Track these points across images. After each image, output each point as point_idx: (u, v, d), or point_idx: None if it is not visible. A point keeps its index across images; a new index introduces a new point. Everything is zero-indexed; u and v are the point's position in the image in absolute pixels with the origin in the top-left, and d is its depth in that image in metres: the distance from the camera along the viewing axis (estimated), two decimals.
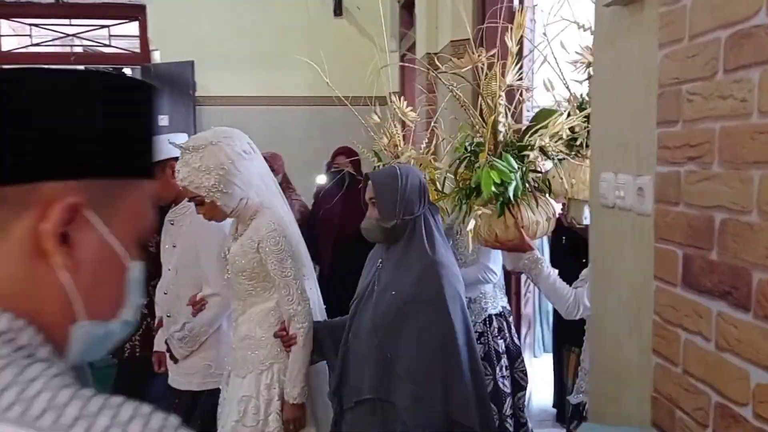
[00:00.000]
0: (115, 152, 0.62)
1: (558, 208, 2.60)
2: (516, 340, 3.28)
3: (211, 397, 2.68)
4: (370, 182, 2.39)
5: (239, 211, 2.36)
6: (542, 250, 3.83)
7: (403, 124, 3.06)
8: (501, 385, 3.15)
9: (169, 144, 2.60)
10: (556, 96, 2.47)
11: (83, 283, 0.60)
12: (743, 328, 1.11)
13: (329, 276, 4.21)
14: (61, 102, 0.59)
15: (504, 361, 3.19)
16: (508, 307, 3.35)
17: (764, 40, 1.05)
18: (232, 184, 2.30)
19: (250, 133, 2.55)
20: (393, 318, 2.23)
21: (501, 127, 2.35)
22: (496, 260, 3.07)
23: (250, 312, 2.43)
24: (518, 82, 2.39)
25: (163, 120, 6.13)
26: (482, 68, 2.30)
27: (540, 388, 4.15)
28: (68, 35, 6.87)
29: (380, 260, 2.39)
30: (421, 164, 2.82)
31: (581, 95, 2.53)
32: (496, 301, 3.25)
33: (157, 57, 6.54)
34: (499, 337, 3.21)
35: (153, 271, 2.93)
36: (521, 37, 2.35)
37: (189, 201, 2.48)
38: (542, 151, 2.35)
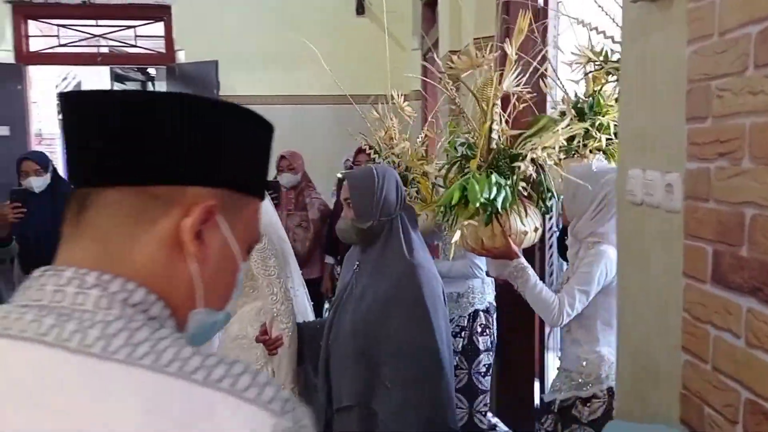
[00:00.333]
0: (247, 171, 0.76)
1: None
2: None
3: None
4: (345, 182, 2.35)
5: None
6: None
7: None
8: (475, 381, 3.16)
9: None
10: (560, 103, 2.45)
11: (206, 274, 0.71)
12: None
13: None
14: (212, 123, 0.71)
15: (484, 357, 3.19)
16: (494, 304, 3.34)
17: None
18: None
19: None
20: (373, 322, 2.20)
21: (494, 134, 2.30)
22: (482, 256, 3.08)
23: (240, 311, 2.40)
24: (516, 89, 2.32)
25: None
26: (486, 71, 2.25)
27: None
28: (95, 36, 6.96)
29: (357, 262, 2.34)
30: (408, 167, 2.83)
31: (576, 94, 2.51)
32: (484, 297, 3.26)
33: (181, 57, 6.61)
34: (482, 334, 3.21)
35: None
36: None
37: None
38: (534, 162, 2.30)
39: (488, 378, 3.24)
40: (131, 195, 0.68)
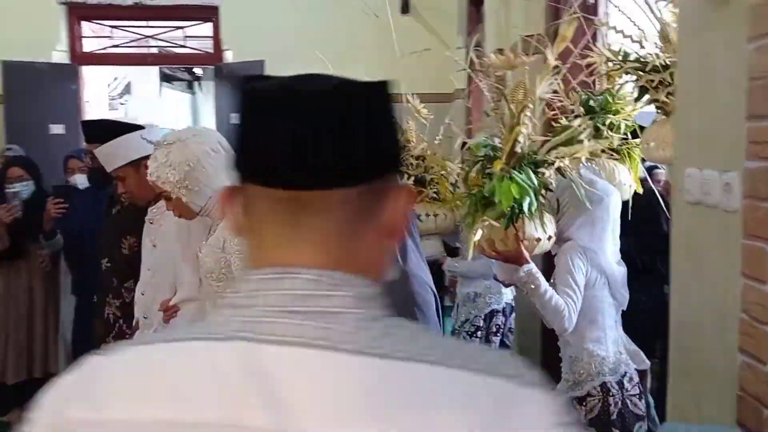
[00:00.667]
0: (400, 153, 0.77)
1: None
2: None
3: None
4: None
5: (209, 209, 2.28)
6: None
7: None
8: None
9: (142, 140, 2.56)
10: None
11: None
12: None
13: None
14: (391, 117, 0.72)
15: None
16: (512, 304, 3.30)
17: None
18: (198, 181, 2.22)
19: None
20: None
21: (521, 138, 2.27)
22: None
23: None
24: (549, 96, 2.29)
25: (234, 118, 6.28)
26: (522, 72, 2.23)
27: None
28: (145, 36, 7.13)
29: None
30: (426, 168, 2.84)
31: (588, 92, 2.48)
32: (501, 297, 3.24)
33: (229, 57, 6.71)
34: (496, 334, 3.19)
35: (127, 273, 2.84)
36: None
37: (158, 196, 2.39)
38: (559, 171, 2.28)
39: None
40: (354, 194, 0.67)
